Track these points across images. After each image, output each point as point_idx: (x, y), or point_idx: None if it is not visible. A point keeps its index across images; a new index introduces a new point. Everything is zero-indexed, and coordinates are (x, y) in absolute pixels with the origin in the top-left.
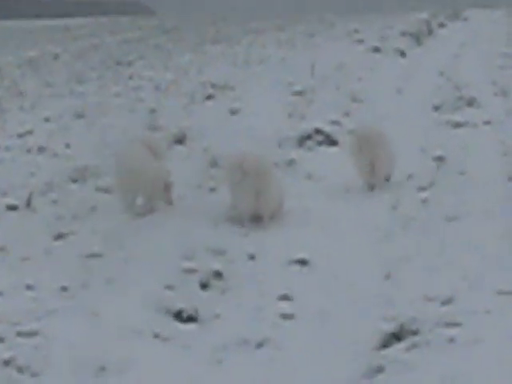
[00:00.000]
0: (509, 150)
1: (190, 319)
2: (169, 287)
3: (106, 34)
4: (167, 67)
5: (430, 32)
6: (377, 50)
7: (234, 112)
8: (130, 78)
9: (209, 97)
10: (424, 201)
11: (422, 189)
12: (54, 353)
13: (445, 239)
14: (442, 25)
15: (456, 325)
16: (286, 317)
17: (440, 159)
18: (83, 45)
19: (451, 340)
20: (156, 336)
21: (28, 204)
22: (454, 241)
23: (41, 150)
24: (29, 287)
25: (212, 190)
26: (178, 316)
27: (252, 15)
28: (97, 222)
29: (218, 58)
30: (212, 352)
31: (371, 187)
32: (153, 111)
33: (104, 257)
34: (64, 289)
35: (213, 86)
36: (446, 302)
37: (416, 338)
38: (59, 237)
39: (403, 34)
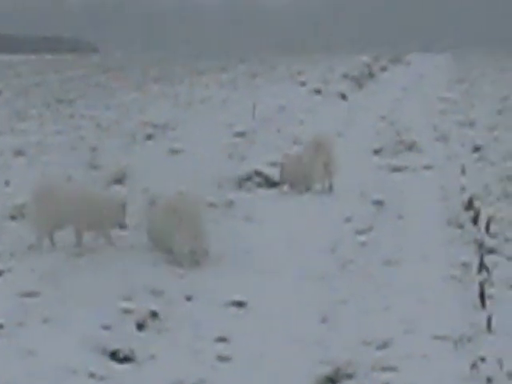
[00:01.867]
0: (448, 195)
1: (126, 359)
2: (105, 327)
3: (49, 72)
4: (108, 106)
5: (372, 75)
6: (318, 92)
7: (174, 152)
8: (72, 116)
9: (149, 136)
10: (362, 244)
11: (361, 232)
12: None
13: (382, 283)
14: (383, 68)
15: (391, 369)
16: (223, 359)
17: (379, 203)
18: (25, 82)
19: None
20: (91, 375)
21: None
22: (392, 284)
23: None
24: None
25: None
26: (114, 356)
27: (195, 56)
28: (34, 260)
29: (160, 98)
30: None
31: (329, 187)
32: (93, 150)
33: (41, 295)
34: (0, 326)
35: (154, 125)
36: (382, 346)
37: (351, 382)
38: None
39: (345, 76)
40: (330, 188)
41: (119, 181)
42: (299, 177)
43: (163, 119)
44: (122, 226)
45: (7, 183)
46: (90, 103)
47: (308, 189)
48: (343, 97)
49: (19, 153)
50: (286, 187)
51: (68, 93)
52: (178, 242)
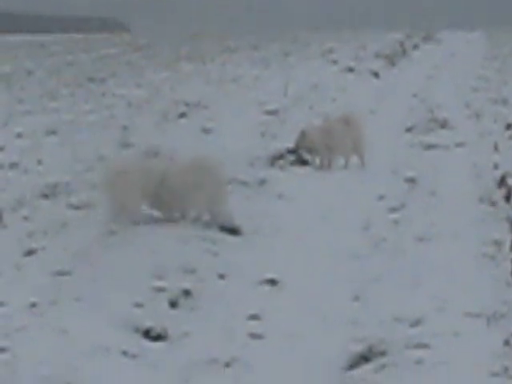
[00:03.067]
0: (480, 172)
1: (159, 337)
2: (138, 305)
3: (80, 51)
4: (140, 84)
5: (404, 53)
6: (351, 70)
7: (206, 131)
8: (103, 95)
9: (182, 115)
10: (395, 222)
11: (393, 210)
12: (22, 370)
13: (414, 260)
14: (415, 46)
15: (424, 346)
16: (255, 336)
17: (411, 180)
18: (57, 61)
19: (419, 362)
20: (124, 354)
21: None
22: (424, 262)
23: (12, 166)
24: None
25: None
26: (147, 334)
27: (227, 33)
28: (67, 238)
29: (192, 76)
30: (180, 370)
31: (361, 164)
32: (125, 128)
33: (73, 274)
34: (33, 305)
35: (186, 104)
36: (415, 323)
37: (384, 359)
38: (29, 253)
39: (377, 54)
40: (362, 165)
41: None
42: (323, 148)
43: (195, 97)
44: None
45: (39, 162)
46: (121, 82)
47: (329, 162)
48: (375, 75)
49: (51, 132)
50: (316, 160)
51: (99, 72)
52: (197, 201)
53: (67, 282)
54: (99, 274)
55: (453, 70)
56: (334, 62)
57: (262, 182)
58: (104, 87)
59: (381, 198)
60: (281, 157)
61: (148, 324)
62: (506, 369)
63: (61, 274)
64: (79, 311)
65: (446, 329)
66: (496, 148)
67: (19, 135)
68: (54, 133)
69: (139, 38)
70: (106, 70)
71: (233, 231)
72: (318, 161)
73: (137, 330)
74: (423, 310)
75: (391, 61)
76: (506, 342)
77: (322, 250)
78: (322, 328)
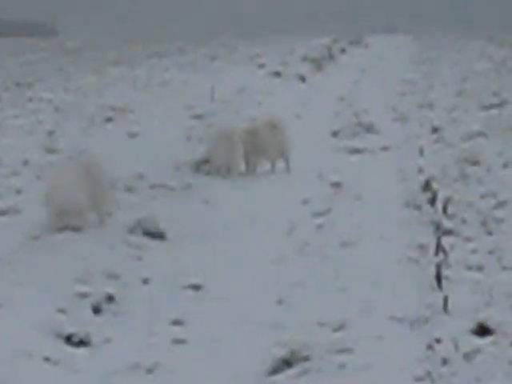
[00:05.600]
0: (406, 176)
1: (82, 343)
2: (61, 311)
3: (7, 55)
4: (67, 89)
5: (331, 57)
6: (277, 74)
7: (133, 135)
8: (30, 99)
9: (108, 119)
10: (319, 226)
11: (318, 214)
12: None
13: (339, 264)
14: (343, 50)
15: (347, 351)
16: (178, 342)
17: (337, 185)
18: None
19: (342, 366)
20: (46, 359)
21: None
22: (348, 266)
23: None
24: None
25: (109, 213)
26: (69, 340)
27: (154, 38)
28: None
29: (119, 81)
30: (102, 376)
31: (286, 169)
32: (51, 133)
33: None
34: None
35: (112, 108)
36: (338, 327)
37: (307, 364)
38: None
39: (304, 58)
40: (287, 169)
41: None
42: (249, 151)
43: (122, 102)
44: None
45: None
46: (48, 86)
47: (255, 166)
48: (302, 79)
49: None
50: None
51: (26, 76)
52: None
53: None
54: (22, 279)
55: (380, 74)
56: (261, 66)
57: (188, 186)
58: (31, 92)
59: (306, 202)
60: (206, 161)
61: (71, 329)
62: (429, 373)
63: None
64: (1, 317)
65: (369, 333)
66: (421, 152)
67: None
68: None
69: (67, 42)
70: (34, 74)
71: (157, 236)
72: (243, 165)
73: (59, 335)
74: (347, 314)
75: (318, 65)
76: (429, 347)
77: (247, 254)
78: (245, 332)
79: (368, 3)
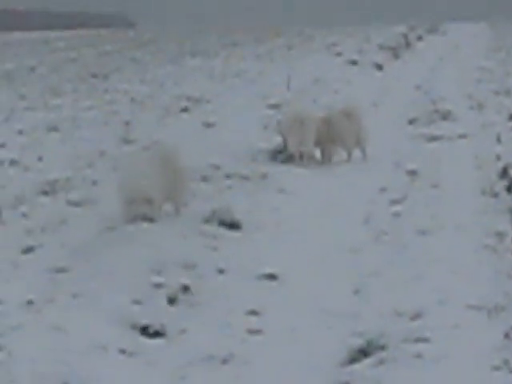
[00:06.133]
0: (483, 164)
1: (157, 334)
2: (136, 302)
3: (83, 47)
4: (143, 80)
5: (408, 45)
6: (354, 63)
7: (208, 125)
8: (106, 91)
9: (184, 109)
10: (396, 214)
11: (395, 202)
12: (17, 368)
13: (416, 253)
14: (419, 38)
15: (424, 340)
16: (254, 332)
17: (413, 173)
18: (60, 57)
19: (418, 356)
20: (121, 351)
21: None
22: (425, 255)
23: (12, 163)
24: None
25: (184, 203)
26: (145, 331)
27: (230, 28)
28: (66, 235)
29: (195, 71)
30: (177, 368)
31: (362, 157)
32: (127, 124)
33: (71, 271)
34: (30, 302)
35: (188, 98)
36: (415, 316)
37: (383, 354)
38: (27, 250)
39: (381, 47)
40: (364, 157)
41: None
42: (325, 140)
43: (198, 92)
44: None
45: (40, 159)
46: (124, 77)
47: (330, 155)
48: (379, 67)
49: (53, 128)
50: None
51: (102, 67)
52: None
53: (64, 279)
54: (97, 270)
55: (456, 62)
56: (338, 54)
57: (264, 176)
58: (107, 83)
59: (382, 190)
60: (283, 150)
61: (146, 321)
62: (507, 362)
63: (58, 270)
64: (76, 308)
65: (446, 322)
66: (498, 139)
67: (20, 132)
68: (55, 129)
69: (144, 33)
70: (110, 65)
71: (233, 226)
72: (319, 153)
73: (134, 327)
74: (424, 304)
75: (395, 53)
76: (507, 335)
77: (323, 243)
78: (322, 322)
79: None
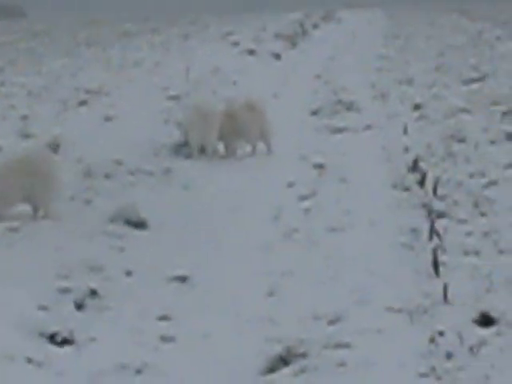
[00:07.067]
0: (391, 157)
1: (65, 342)
2: (42, 308)
3: None
4: (39, 72)
5: (305, 33)
6: (251, 52)
7: (108, 118)
8: (1, 84)
9: (82, 103)
10: (306, 210)
11: (304, 198)
12: None
13: (329, 251)
14: (315, 26)
15: (345, 346)
16: (167, 339)
17: (320, 166)
18: None
19: (341, 363)
20: (29, 361)
21: None
22: (339, 253)
23: None
24: None
25: (87, 201)
26: (53, 339)
27: (125, 17)
28: None
29: (91, 62)
30: (88, 378)
31: (267, 151)
32: (24, 118)
33: None
34: None
35: (87, 91)
36: (334, 320)
37: (304, 362)
38: None
39: (277, 35)
40: (269, 151)
41: (53, 150)
42: (228, 134)
43: (96, 84)
44: None
45: None
46: (20, 70)
47: (234, 149)
48: (277, 56)
49: None
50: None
51: None
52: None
53: None
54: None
55: (355, 50)
56: (235, 44)
57: (167, 171)
58: (2, 76)
59: (290, 185)
60: (185, 144)
61: (53, 328)
62: (434, 368)
63: None
64: None
65: (367, 326)
66: (405, 130)
67: None
68: None
69: (36, 23)
70: (4, 57)
71: (139, 225)
72: (222, 148)
73: (42, 334)
74: (342, 306)
75: (292, 41)
76: (432, 340)
77: (233, 242)
78: (236, 328)
79: None
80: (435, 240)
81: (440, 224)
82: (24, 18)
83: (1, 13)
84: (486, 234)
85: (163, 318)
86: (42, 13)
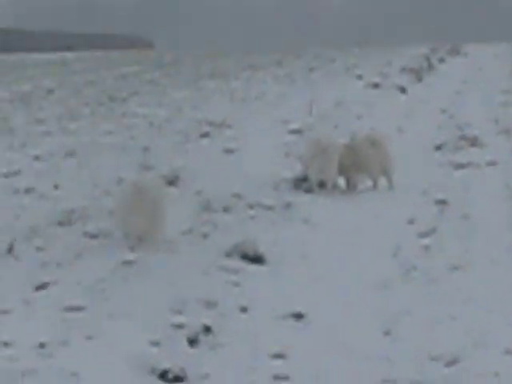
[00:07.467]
0: None
1: (177, 379)
2: (154, 343)
3: (102, 69)
4: (161, 103)
5: (431, 67)
6: (376, 86)
7: (229, 151)
8: (124, 114)
9: (204, 135)
10: (426, 247)
11: (424, 235)
12: None
13: (448, 290)
14: (442, 60)
15: None
16: (280, 378)
17: (442, 202)
18: (79, 80)
19: None
20: None
21: (10, 250)
22: (459, 292)
23: (28, 190)
24: (5, 344)
25: (205, 235)
26: (164, 376)
27: (250, 50)
28: (81, 270)
29: (214, 94)
30: None
31: (389, 186)
32: (145, 150)
33: (86, 310)
34: (42, 346)
35: (209, 123)
36: (451, 362)
37: None
38: (41, 287)
39: (403, 69)
40: (390, 186)
41: (172, 182)
42: (350, 168)
43: (218, 117)
44: None
45: (56, 186)
46: (142, 101)
47: (355, 184)
48: (402, 90)
49: (70, 154)
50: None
51: (121, 90)
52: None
53: (79, 318)
54: (113, 309)
55: (481, 85)
56: (359, 77)
57: (287, 205)
58: (125, 107)
59: (411, 221)
60: (306, 179)
61: (165, 365)
62: None
63: (73, 309)
64: (91, 351)
65: (485, 368)
66: None
67: (36, 158)
68: (72, 155)
69: (163, 55)
70: (128, 88)
71: (256, 259)
72: (343, 182)
73: (153, 371)
74: (459, 347)
75: (418, 76)
76: None
77: (350, 279)
78: (352, 367)
79: (463, 12)
80: None
81: None
82: (152, 49)
83: (129, 43)
84: None
85: (277, 356)
86: (171, 44)
